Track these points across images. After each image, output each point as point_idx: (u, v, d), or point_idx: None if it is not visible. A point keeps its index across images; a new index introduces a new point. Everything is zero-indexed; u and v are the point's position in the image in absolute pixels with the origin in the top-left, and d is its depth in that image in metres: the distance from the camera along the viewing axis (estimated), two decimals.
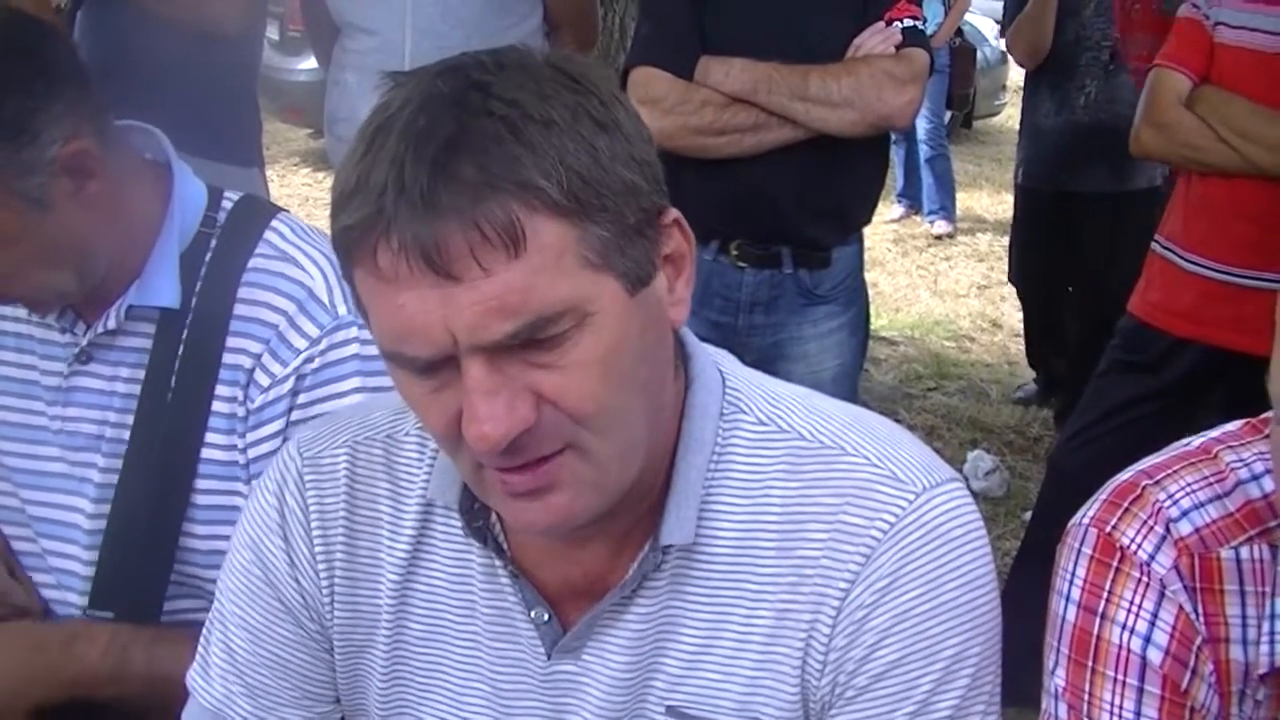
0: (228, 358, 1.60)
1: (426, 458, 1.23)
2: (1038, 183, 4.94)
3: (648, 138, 1.06)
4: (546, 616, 1.19)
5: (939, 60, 7.83)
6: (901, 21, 2.66)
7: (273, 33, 9.76)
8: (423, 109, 0.97)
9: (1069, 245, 4.87)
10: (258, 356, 1.59)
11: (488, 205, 0.94)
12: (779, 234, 2.76)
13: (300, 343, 1.58)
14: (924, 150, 8.27)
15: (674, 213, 1.09)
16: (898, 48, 2.64)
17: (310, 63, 9.19)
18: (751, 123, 2.64)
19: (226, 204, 1.67)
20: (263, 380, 1.59)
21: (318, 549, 1.26)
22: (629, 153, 1.02)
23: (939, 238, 8.17)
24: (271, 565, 1.28)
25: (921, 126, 7.93)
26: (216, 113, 2.77)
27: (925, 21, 2.76)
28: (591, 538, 1.16)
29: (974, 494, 4.33)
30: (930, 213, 8.38)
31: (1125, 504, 1.22)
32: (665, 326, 1.10)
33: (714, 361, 1.21)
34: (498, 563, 1.19)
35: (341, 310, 1.60)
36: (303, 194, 8.63)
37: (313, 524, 1.26)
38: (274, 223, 1.67)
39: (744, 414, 1.18)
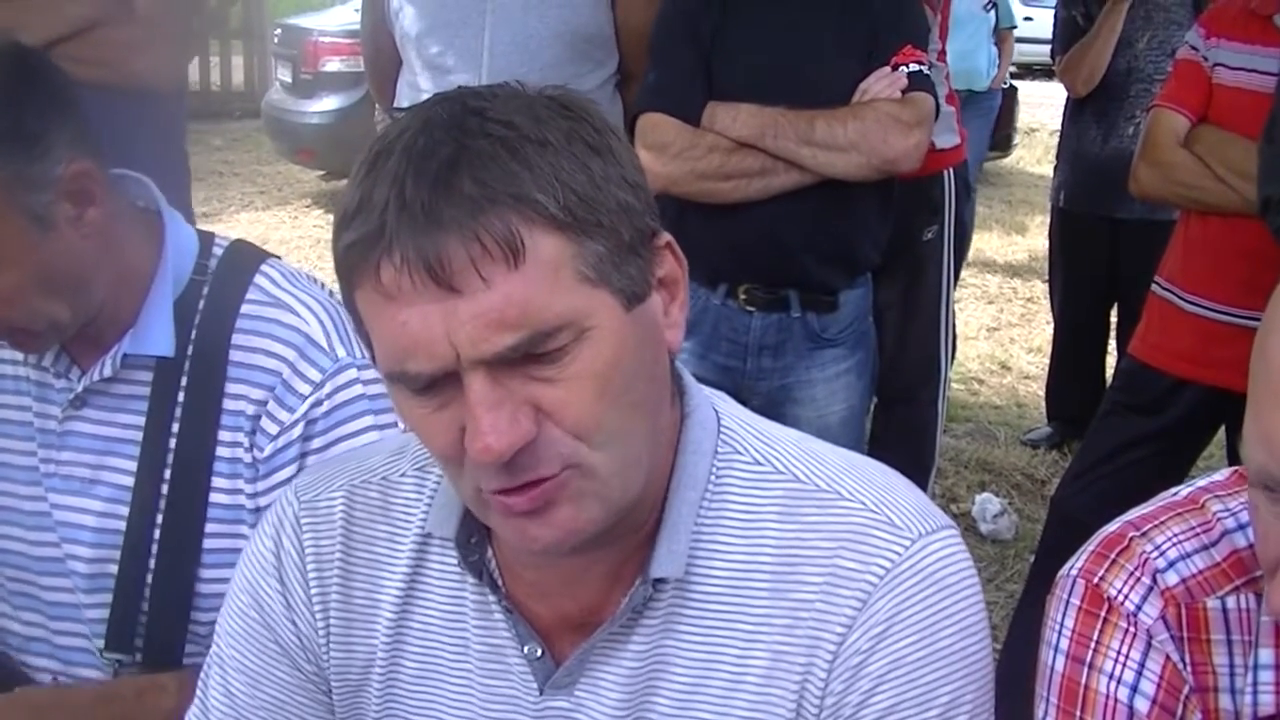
0: (227, 403, 1.62)
1: (425, 494, 1.25)
2: (1080, 206, 5.03)
3: (639, 165, 1.09)
4: (539, 652, 1.19)
5: (991, 103, 7.83)
6: (907, 66, 2.67)
7: (286, 75, 9.88)
8: (422, 132, 1.00)
9: (1110, 268, 4.97)
10: (263, 404, 1.61)
11: (488, 217, 0.97)
12: (787, 278, 2.77)
13: (304, 388, 1.60)
14: None
15: (666, 236, 1.11)
16: (904, 92, 2.66)
17: (323, 105, 9.34)
18: (758, 168, 2.65)
19: (217, 250, 1.70)
20: (270, 429, 1.60)
21: (313, 591, 1.27)
22: (622, 175, 1.05)
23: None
24: (269, 608, 1.29)
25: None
26: (146, 173, 2.78)
27: (930, 66, 2.77)
28: (585, 570, 1.17)
29: (982, 536, 4.39)
30: None
31: (1112, 555, 1.23)
32: (661, 347, 1.12)
33: (709, 400, 1.22)
34: (491, 598, 1.20)
35: (340, 353, 1.63)
36: (314, 235, 8.67)
37: (308, 566, 1.27)
38: (263, 268, 1.70)
39: (739, 454, 1.19)
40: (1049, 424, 5.43)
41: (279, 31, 10.56)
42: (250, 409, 1.61)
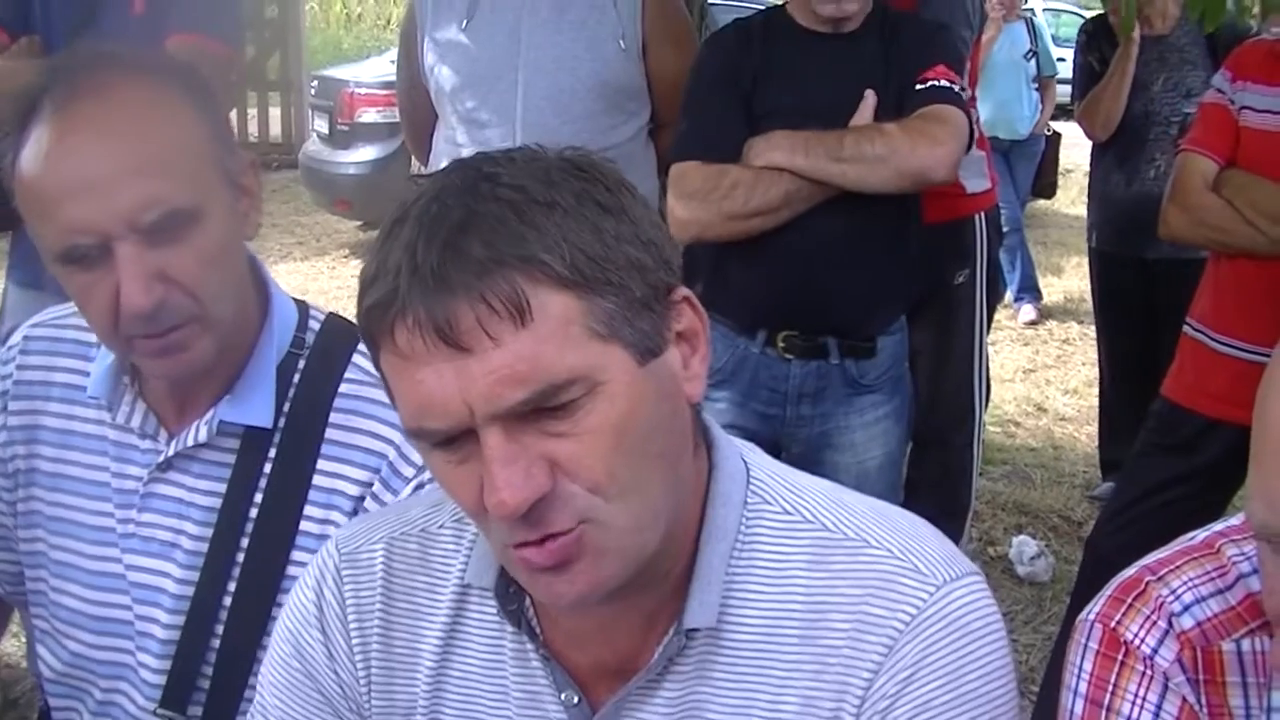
0: (319, 479, 1.60)
1: (464, 546, 1.27)
2: (1112, 247, 5.06)
3: (656, 222, 1.12)
4: (576, 699, 1.21)
5: (1034, 148, 7.78)
6: (938, 81, 2.68)
7: (323, 126, 9.97)
8: (435, 199, 1.05)
9: (1147, 308, 4.96)
10: (368, 485, 1.59)
11: (494, 279, 1.00)
12: (825, 325, 2.79)
13: (409, 470, 1.59)
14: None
15: (684, 290, 1.14)
16: (927, 104, 2.65)
17: (360, 155, 9.40)
18: (781, 196, 2.65)
19: (313, 324, 1.69)
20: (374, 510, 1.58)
21: (354, 641, 1.29)
22: (635, 233, 1.08)
23: (1032, 323, 7.84)
24: (311, 658, 1.31)
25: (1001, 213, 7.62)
26: None
27: (963, 89, 2.76)
28: (619, 618, 1.19)
29: (1019, 579, 4.38)
30: (1017, 298, 7.99)
31: (1129, 600, 1.25)
32: (680, 400, 1.14)
33: (738, 452, 1.24)
34: (530, 646, 1.22)
35: None
36: (353, 286, 8.46)
37: (349, 617, 1.30)
38: (361, 346, 1.67)
39: (768, 504, 1.21)
40: (1104, 478, 5.22)
41: (315, 83, 10.64)
42: (353, 489, 1.59)
